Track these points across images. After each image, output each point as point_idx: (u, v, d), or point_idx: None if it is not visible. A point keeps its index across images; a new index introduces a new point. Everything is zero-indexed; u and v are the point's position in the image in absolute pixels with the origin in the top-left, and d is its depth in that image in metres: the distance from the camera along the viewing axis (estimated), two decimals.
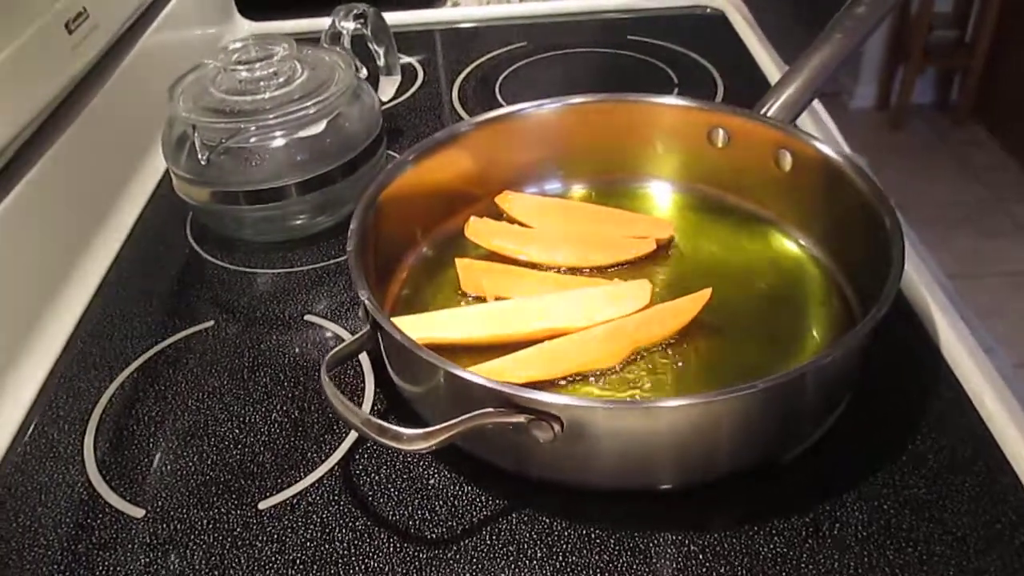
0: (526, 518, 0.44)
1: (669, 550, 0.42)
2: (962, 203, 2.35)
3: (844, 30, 0.61)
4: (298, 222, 0.66)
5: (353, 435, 0.49)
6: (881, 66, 2.73)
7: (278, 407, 0.52)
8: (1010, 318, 1.94)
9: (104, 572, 0.44)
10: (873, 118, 2.75)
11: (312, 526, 0.45)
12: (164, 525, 0.46)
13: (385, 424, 0.40)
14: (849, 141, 0.82)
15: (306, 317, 0.59)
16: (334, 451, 0.49)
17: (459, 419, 0.40)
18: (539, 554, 0.43)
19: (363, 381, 0.53)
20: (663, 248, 0.59)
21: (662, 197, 0.64)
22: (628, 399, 0.48)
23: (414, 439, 0.40)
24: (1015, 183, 2.40)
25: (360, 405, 0.52)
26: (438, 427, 0.40)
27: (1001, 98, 2.57)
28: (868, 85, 2.78)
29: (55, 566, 0.44)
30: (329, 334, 0.58)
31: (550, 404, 0.40)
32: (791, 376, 0.41)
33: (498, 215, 0.62)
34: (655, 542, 0.43)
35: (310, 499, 0.46)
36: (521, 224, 0.61)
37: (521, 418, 0.40)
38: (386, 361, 0.51)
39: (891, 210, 0.50)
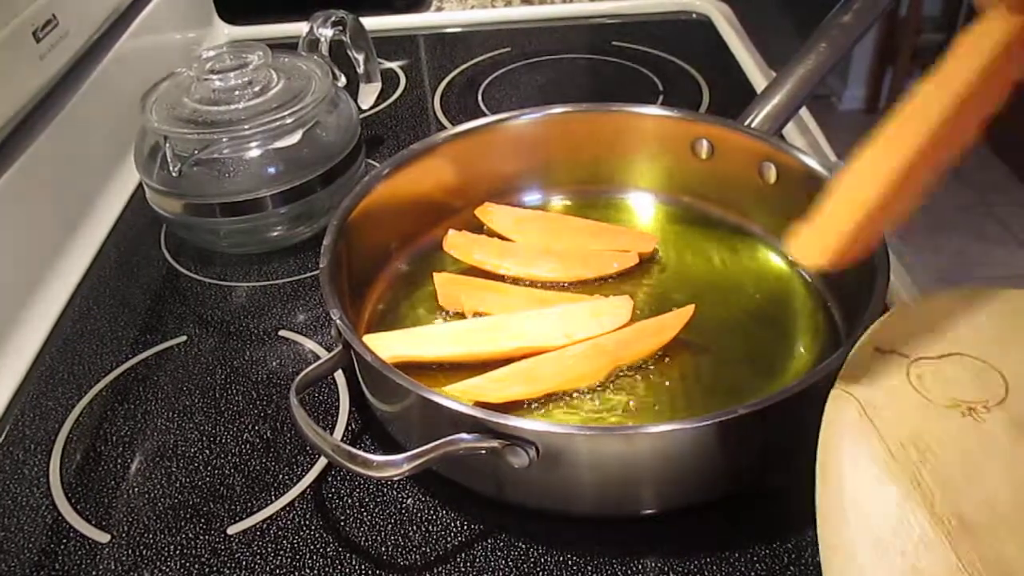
0: (502, 544, 0.43)
1: None
2: (950, 206, 2.35)
3: (829, 39, 0.60)
4: (275, 234, 0.64)
5: None
6: (870, 68, 2.73)
7: (250, 427, 0.51)
8: None
9: None
10: (862, 120, 2.75)
11: (282, 552, 0.44)
12: (130, 551, 0.44)
13: (354, 451, 0.39)
14: (837, 144, 0.81)
15: (281, 332, 0.58)
16: (306, 473, 0.48)
17: (430, 445, 0.39)
18: None
19: (338, 399, 0.52)
20: (646, 262, 0.58)
21: (645, 209, 0.63)
22: (606, 425, 0.47)
23: (384, 466, 0.39)
24: (1003, 186, 2.40)
25: (334, 424, 0.51)
26: (408, 454, 0.39)
27: None
28: (857, 87, 2.78)
29: None
30: (304, 350, 0.56)
31: (525, 429, 0.39)
32: (774, 400, 0.39)
33: (477, 228, 0.61)
34: (634, 569, 0.42)
35: (280, 524, 0.45)
36: (501, 237, 0.60)
37: (495, 443, 0.39)
38: (360, 381, 0.49)
39: None
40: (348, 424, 0.51)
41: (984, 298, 0.42)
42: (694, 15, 0.98)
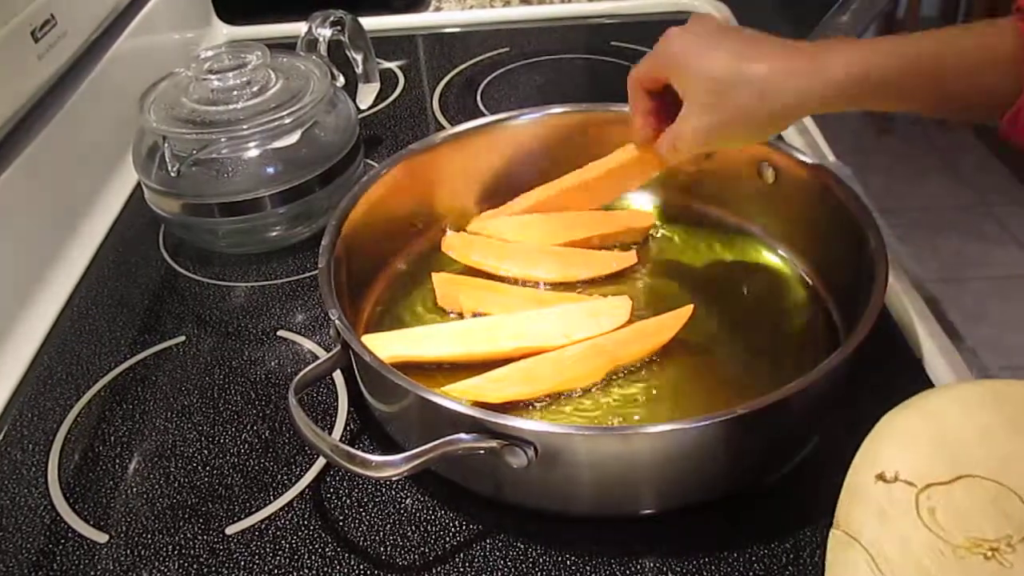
0: (501, 544, 0.43)
1: None
2: (948, 206, 2.35)
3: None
4: (274, 234, 0.64)
5: None
6: None
7: (248, 427, 0.51)
8: (994, 322, 1.94)
9: None
10: (860, 121, 2.75)
11: (280, 552, 0.44)
12: (128, 551, 0.44)
13: (353, 451, 0.39)
14: (836, 144, 0.81)
15: (279, 332, 0.58)
16: (305, 473, 0.48)
17: (429, 446, 0.39)
18: None
19: (336, 400, 0.52)
20: (645, 262, 0.58)
21: (644, 209, 0.63)
22: (605, 425, 0.47)
23: (382, 466, 0.39)
24: (1002, 187, 2.40)
25: (332, 425, 0.51)
26: (407, 454, 0.39)
27: None
28: None
29: None
30: (302, 350, 0.56)
31: (523, 430, 0.39)
32: (773, 400, 0.39)
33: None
34: (633, 569, 0.42)
35: (279, 524, 0.45)
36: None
37: (494, 443, 0.39)
38: (359, 381, 0.49)
39: (874, 225, 0.49)
40: (347, 424, 0.51)
41: (987, 396, 0.39)
42: (693, 15, 0.98)
